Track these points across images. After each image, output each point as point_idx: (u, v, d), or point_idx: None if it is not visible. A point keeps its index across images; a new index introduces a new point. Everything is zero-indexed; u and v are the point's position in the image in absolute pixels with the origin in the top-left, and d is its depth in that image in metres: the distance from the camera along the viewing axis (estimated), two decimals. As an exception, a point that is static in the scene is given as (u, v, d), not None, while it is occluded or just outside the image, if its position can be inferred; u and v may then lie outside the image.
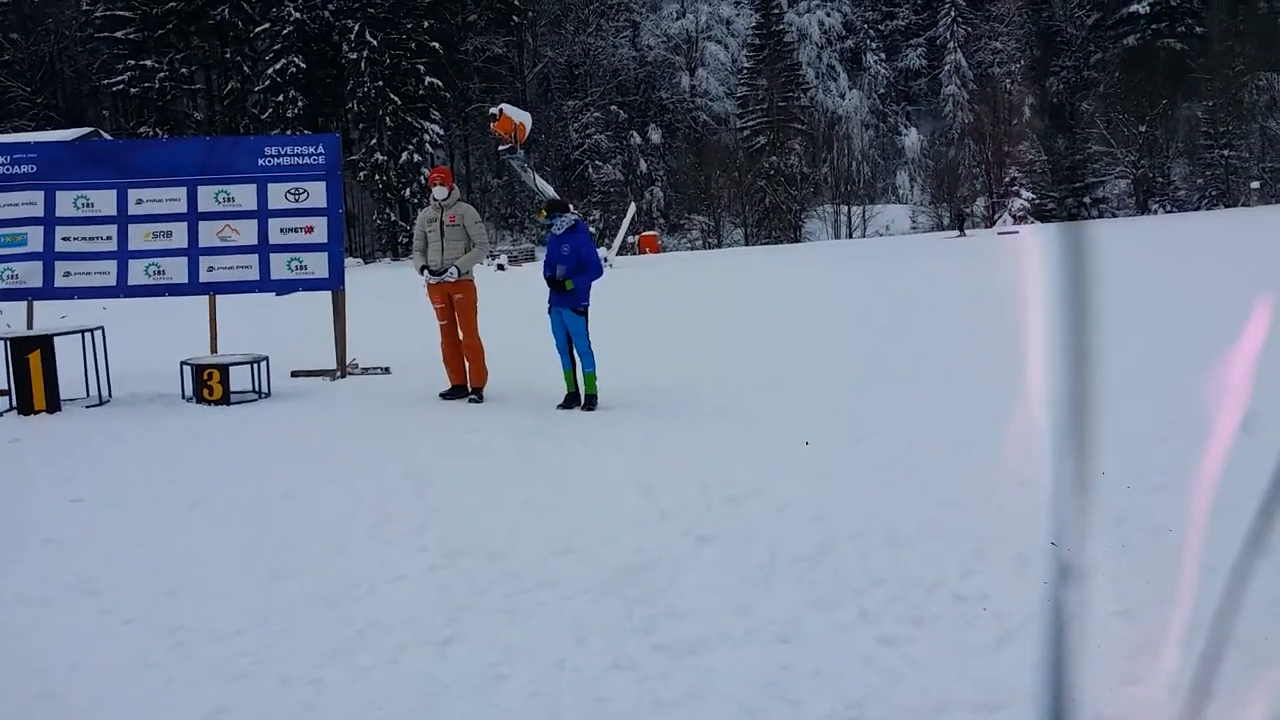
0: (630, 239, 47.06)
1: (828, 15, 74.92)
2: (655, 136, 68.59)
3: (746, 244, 60.55)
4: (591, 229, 9.00)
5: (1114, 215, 56.54)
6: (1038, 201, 59.09)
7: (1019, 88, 62.98)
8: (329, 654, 3.50)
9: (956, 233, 46.01)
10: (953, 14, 70.44)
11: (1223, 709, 1.91)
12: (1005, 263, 18.79)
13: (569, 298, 7.71)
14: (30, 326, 9.55)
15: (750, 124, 67.21)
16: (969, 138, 65.25)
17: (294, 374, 9.93)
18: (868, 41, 75.34)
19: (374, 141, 57.04)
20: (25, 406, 8.40)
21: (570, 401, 7.89)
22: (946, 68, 70.45)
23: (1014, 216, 55.60)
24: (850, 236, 61.75)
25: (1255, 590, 2.32)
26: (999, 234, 42.11)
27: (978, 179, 64.45)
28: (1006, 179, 61.93)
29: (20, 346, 8.45)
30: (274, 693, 3.23)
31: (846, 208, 64.39)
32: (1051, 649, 0.72)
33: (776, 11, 68.70)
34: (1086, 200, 58.91)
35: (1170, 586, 2.41)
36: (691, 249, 58.90)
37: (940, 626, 3.55)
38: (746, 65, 69.31)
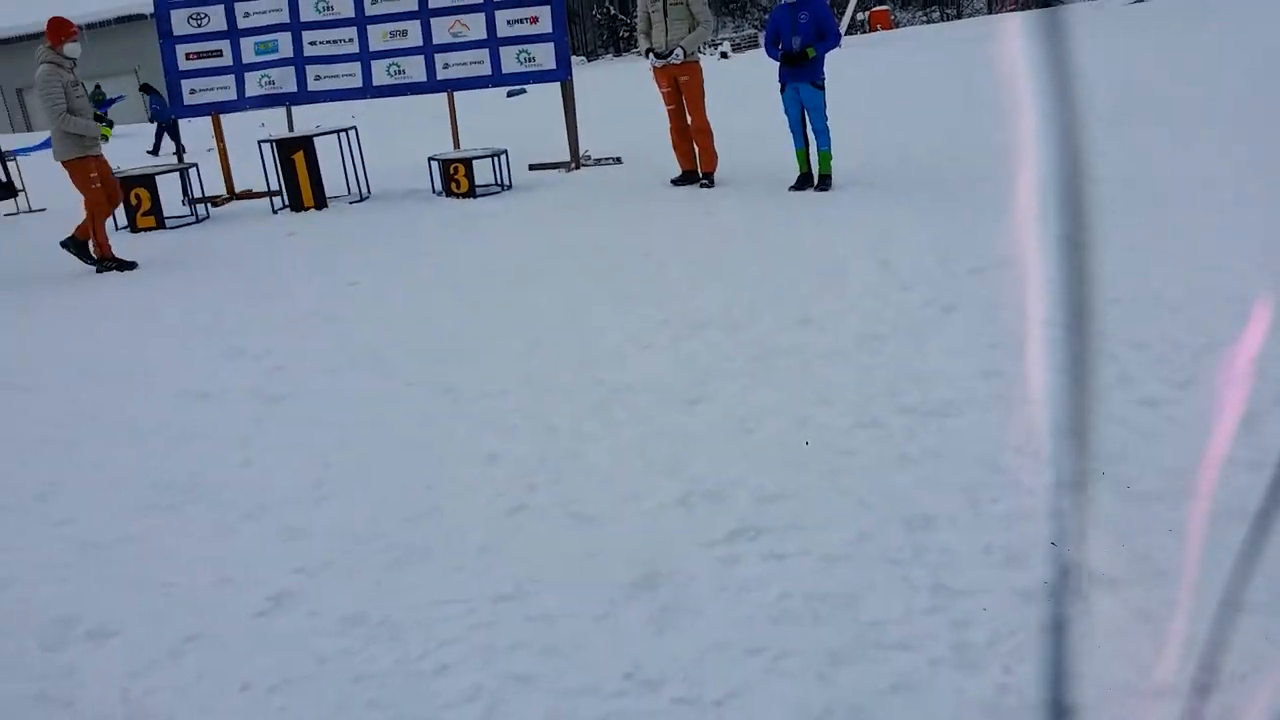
0: (859, 16, 44.18)
1: None
2: (885, -102, 62.95)
3: (990, 13, 55.56)
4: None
5: None
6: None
7: None
8: (588, 410, 3.75)
9: None
10: None
11: (1224, 709, 1.83)
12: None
13: (806, 71, 7.40)
14: (291, 129, 10.26)
15: (994, -126, 60.31)
16: None
17: (531, 167, 10.23)
18: None
19: (589, -70, 55.61)
20: (296, 204, 9.17)
21: (803, 183, 7.74)
22: None
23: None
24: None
25: (1256, 589, 2.09)
26: None
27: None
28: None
29: (285, 148, 9.15)
30: (542, 440, 3.52)
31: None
32: (1052, 649, 0.70)
33: None
34: None
35: (1169, 586, 2.31)
36: (928, 23, 54.73)
37: (1209, 389, 3.37)
38: None
